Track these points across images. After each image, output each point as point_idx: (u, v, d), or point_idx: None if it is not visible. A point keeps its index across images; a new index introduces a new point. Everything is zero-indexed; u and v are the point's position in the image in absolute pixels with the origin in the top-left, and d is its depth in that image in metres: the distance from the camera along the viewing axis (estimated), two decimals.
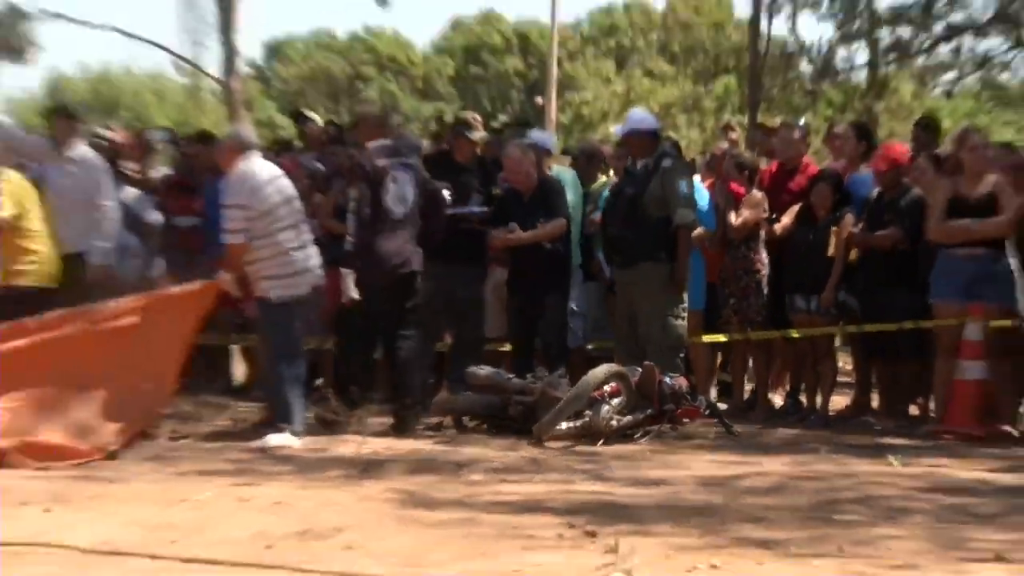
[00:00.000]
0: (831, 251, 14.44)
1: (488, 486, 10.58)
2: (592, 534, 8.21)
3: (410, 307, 14.08)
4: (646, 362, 13.49)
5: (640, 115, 15.93)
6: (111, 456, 11.70)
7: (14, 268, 13.60)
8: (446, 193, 14.72)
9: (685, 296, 14.38)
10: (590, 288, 15.55)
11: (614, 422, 12.82)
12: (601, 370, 13.04)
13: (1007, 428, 13.50)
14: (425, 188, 14.49)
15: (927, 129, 16.71)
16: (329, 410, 13.70)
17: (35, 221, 13.87)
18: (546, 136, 20.18)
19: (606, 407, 12.76)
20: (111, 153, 15.88)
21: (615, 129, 17.86)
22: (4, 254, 13.74)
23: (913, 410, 15.05)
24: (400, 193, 14.32)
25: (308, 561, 7.56)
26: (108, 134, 17.17)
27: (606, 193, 15.52)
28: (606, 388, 12.87)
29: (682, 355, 14.26)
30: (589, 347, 15.61)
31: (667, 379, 13.59)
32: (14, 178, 13.80)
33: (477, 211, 14.86)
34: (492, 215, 14.92)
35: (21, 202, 13.77)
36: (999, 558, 7.57)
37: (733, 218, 15.19)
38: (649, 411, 13.25)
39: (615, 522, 8.68)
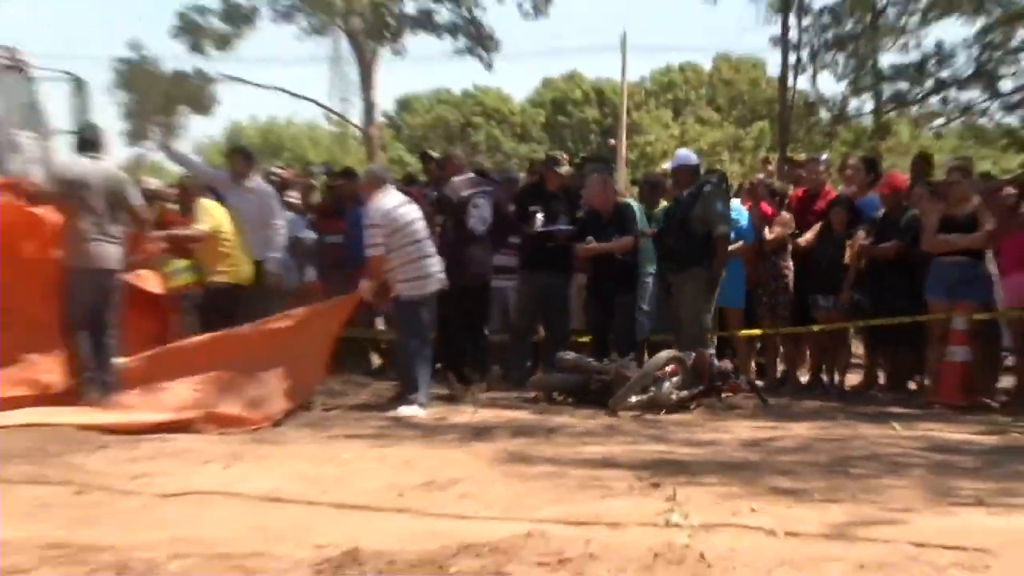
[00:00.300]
0: (846, 260, 14.64)
1: (572, 447, 10.73)
2: (656, 485, 8.37)
3: (484, 308, 14.72)
4: (700, 348, 13.65)
5: (684, 154, 15.98)
6: (276, 424, 11.89)
7: (215, 270, 14.01)
8: (539, 216, 14.86)
9: (715, 297, 14.49)
10: (655, 291, 15.41)
11: (673, 396, 12.95)
12: (663, 355, 13.22)
13: (986, 400, 13.76)
14: (500, 210, 15.03)
15: (922, 163, 16.98)
16: (448, 387, 13.93)
17: (228, 235, 14.15)
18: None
19: (667, 384, 12.95)
20: (279, 185, 16.28)
21: (666, 165, 17.84)
22: (206, 260, 14.04)
23: (911, 386, 15.17)
24: (481, 215, 14.87)
25: (430, 507, 7.83)
26: (277, 171, 17.80)
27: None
28: (667, 369, 13.07)
29: (710, 348, 14.12)
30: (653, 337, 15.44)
31: (715, 361, 13.84)
32: (208, 202, 14.16)
33: (564, 229, 14.83)
34: (575, 232, 14.85)
35: (216, 220, 14.06)
36: (980, 502, 7.99)
37: (767, 233, 15.24)
38: (701, 387, 13.48)
39: (674, 475, 8.83)
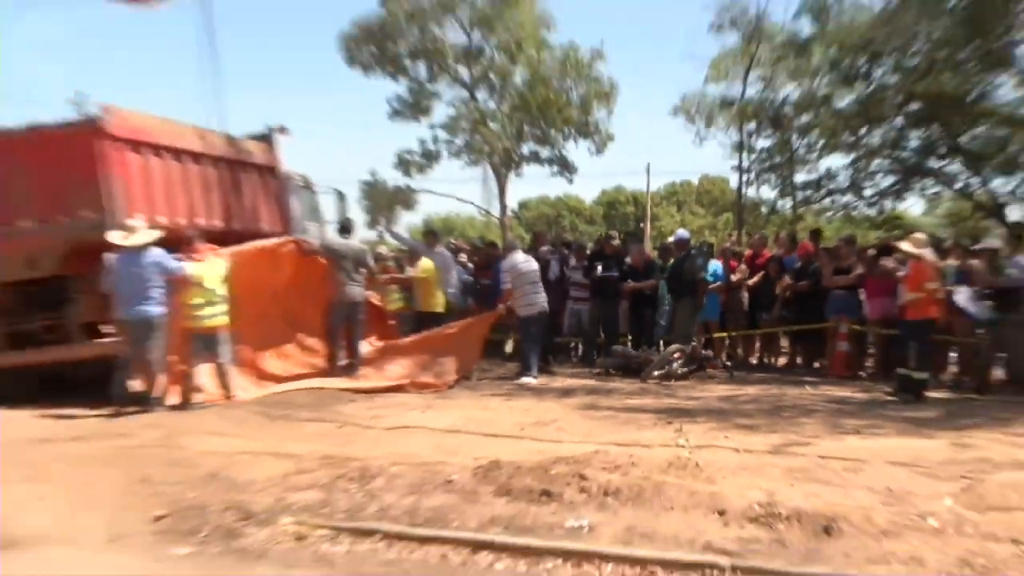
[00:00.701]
0: (777, 292, 15.67)
1: (621, 400, 12.01)
2: (669, 422, 9.89)
3: (548, 324, 15.19)
4: (692, 343, 14.76)
5: (681, 232, 16.76)
6: (451, 387, 13.14)
7: (428, 301, 15.10)
8: (599, 267, 16.03)
9: (699, 314, 15.38)
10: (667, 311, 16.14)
11: (679, 371, 14.22)
12: (672, 347, 14.51)
13: (860, 373, 14.77)
14: (564, 266, 16.62)
15: (815, 233, 17.87)
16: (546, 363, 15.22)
17: (435, 281, 15.11)
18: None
19: (675, 364, 14.25)
20: (453, 250, 17.44)
21: (672, 239, 17.67)
22: (422, 295, 15.03)
23: (816, 365, 15.94)
24: (554, 271, 16.34)
25: (539, 436, 9.25)
26: (452, 242, 19.06)
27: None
28: (675, 355, 14.25)
29: (693, 341, 14.86)
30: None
31: (701, 351, 15.21)
32: (425, 260, 15.18)
33: (615, 275, 15.92)
34: (622, 277, 15.95)
35: (428, 270, 15.12)
36: (857, 432, 9.29)
37: (732, 277, 16.51)
38: (694, 366, 14.63)
39: (679, 417, 10.23)
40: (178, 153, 12.08)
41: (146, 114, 11.84)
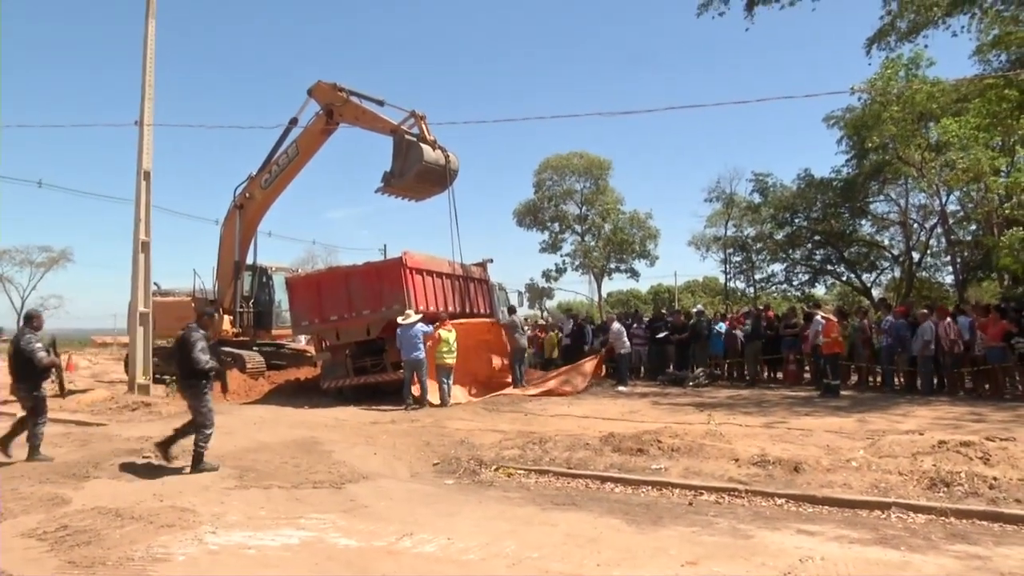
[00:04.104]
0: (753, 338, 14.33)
1: (674, 399, 11.79)
2: (702, 410, 9.92)
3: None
4: (707, 368, 14.08)
5: (699, 307, 16.80)
6: (578, 394, 12.55)
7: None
8: (656, 327, 15.41)
9: (709, 350, 14.51)
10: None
11: (704, 383, 13.62)
12: (699, 370, 13.93)
13: (803, 383, 13.65)
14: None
15: (768, 307, 17.56)
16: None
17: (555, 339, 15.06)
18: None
19: (701, 378, 13.72)
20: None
21: (693, 309, 17.26)
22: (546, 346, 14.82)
23: (779, 377, 14.47)
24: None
25: (631, 419, 9.35)
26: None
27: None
28: (701, 374, 13.77)
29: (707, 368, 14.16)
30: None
31: (714, 371, 14.36)
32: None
33: (667, 332, 14.99)
34: (670, 332, 15.00)
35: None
36: (806, 414, 9.67)
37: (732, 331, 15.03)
38: (711, 380, 13.88)
39: (708, 407, 10.30)
40: (438, 274, 12.54)
41: (423, 253, 12.37)
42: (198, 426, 6.45)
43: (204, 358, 6.38)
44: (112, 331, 37.87)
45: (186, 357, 6.40)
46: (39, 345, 6.96)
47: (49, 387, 7.33)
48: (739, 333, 14.72)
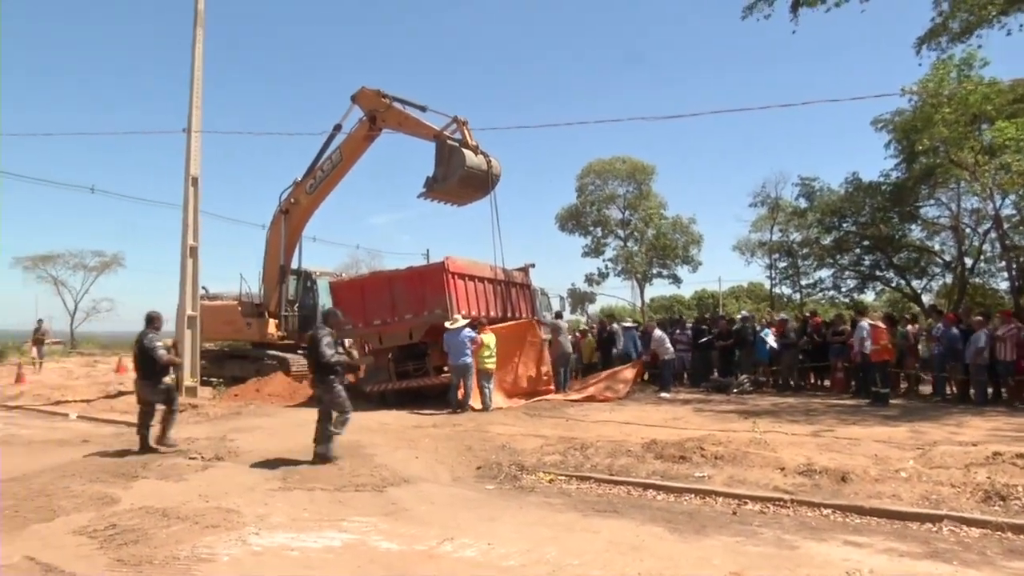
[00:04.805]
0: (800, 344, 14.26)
1: (718, 406, 11.56)
2: (746, 418, 9.76)
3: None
4: (750, 374, 13.84)
5: (744, 312, 16.10)
6: (620, 400, 12.42)
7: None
8: (701, 332, 15.17)
9: (754, 356, 14.24)
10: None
11: (748, 389, 13.44)
12: (743, 376, 13.75)
13: (851, 391, 13.39)
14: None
15: (815, 313, 17.10)
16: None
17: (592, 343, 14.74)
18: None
19: (747, 385, 13.56)
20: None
21: (738, 315, 17.01)
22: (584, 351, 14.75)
23: (826, 384, 14.39)
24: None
25: (674, 426, 9.03)
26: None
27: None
28: (745, 381, 13.60)
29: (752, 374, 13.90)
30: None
31: (759, 377, 14.12)
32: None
33: (711, 337, 14.91)
34: (714, 338, 14.90)
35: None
36: (854, 423, 9.24)
37: (772, 341, 14.28)
38: (756, 387, 13.70)
39: (752, 415, 10.08)
40: (480, 278, 12.54)
41: (465, 258, 12.42)
42: (336, 412, 6.95)
43: (329, 352, 6.90)
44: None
45: (315, 353, 6.94)
46: (160, 344, 7.63)
47: (168, 381, 7.93)
48: (770, 340, 14.14)
